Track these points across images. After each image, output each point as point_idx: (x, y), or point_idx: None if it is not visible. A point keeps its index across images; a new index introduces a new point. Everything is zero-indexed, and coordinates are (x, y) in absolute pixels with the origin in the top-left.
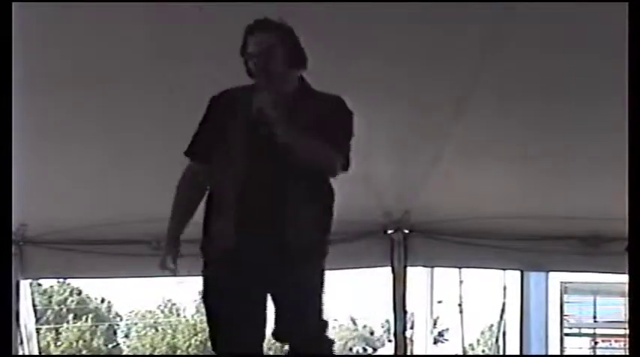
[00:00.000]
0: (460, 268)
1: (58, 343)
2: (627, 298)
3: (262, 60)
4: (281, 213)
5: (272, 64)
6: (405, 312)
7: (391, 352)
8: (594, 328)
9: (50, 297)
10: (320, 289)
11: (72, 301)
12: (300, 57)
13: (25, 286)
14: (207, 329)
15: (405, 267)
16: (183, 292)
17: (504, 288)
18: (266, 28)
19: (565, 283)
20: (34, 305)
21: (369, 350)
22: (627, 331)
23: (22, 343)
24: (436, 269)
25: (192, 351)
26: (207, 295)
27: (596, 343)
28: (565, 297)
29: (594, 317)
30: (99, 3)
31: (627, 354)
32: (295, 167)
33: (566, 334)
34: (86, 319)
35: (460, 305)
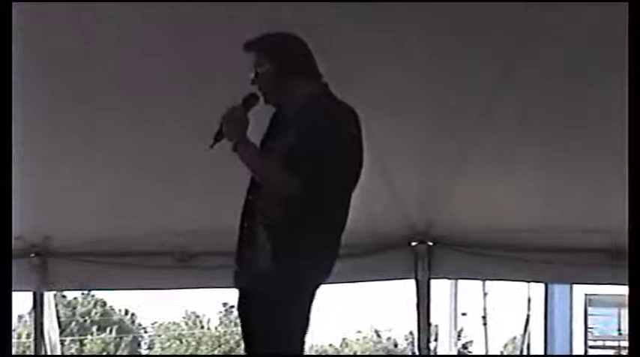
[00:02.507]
0: (484, 280)
1: (82, 355)
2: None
3: (255, 84)
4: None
5: (263, 86)
6: (429, 324)
7: None
8: (619, 341)
9: (74, 308)
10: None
11: (96, 313)
12: (295, 68)
13: (49, 297)
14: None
15: (429, 279)
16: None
17: (528, 300)
18: (254, 49)
19: (589, 295)
20: (58, 317)
21: None
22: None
23: (46, 354)
24: (460, 281)
25: None
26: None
27: (620, 355)
28: (589, 309)
29: (619, 330)
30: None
31: None
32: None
33: (591, 347)
34: (110, 330)
35: (484, 317)
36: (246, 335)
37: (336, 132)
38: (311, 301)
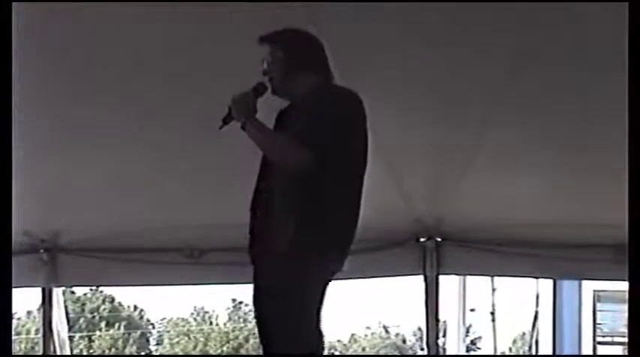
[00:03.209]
0: (493, 276)
1: (91, 351)
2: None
3: (266, 75)
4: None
5: (273, 76)
6: (438, 320)
7: None
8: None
9: (83, 305)
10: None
11: (104, 309)
12: (304, 62)
13: (57, 293)
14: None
15: (438, 275)
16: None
17: (537, 296)
18: (267, 41)
19: (598, 291)
20: (66, 313)
21: None
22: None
23: (54, 350)
24: (468, 277)
25: None
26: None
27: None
28: (598, 305)
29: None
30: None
31: None
32: (277, 168)
33: (599, 343)
34: (119, 326)
35: (493, 314)
36: (261, 328)
37: (345, 112)
38: (324, 288)
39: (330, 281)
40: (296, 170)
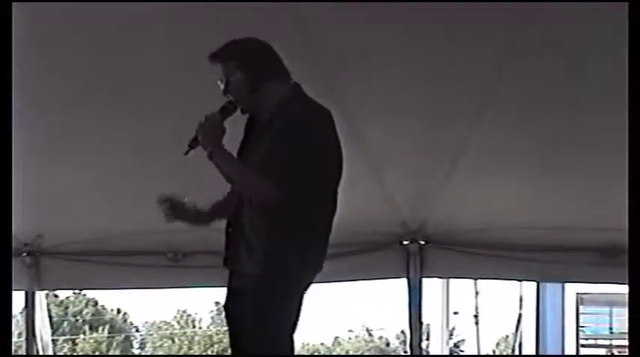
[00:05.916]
0: (476, 279)
1: (75, 355)
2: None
3: (227, 95)
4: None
5: (236, 96)
6: (421, 323)
7: None
8: (610, 340)
9: (66, 308)
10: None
11: (88, 313)
12: (264, 72)
13: (41, 297)
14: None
15: (421, 278)
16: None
17: (520, 299)
18: (218, 59)
19: (581, 294)
20: (50, 316)
21: None
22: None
23: (37, 354)
24: (452, 280)
25: None
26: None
27: (612, 354)
28: (581, 308)
29: (610, 329)
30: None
31: None
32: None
33: (582, 346)
34: (102, 330)
35: (476, 316)
36: (232, 334)
37: (309, 133)
38: (300, 301)
39: (303, 296)
40: (262, 204)
